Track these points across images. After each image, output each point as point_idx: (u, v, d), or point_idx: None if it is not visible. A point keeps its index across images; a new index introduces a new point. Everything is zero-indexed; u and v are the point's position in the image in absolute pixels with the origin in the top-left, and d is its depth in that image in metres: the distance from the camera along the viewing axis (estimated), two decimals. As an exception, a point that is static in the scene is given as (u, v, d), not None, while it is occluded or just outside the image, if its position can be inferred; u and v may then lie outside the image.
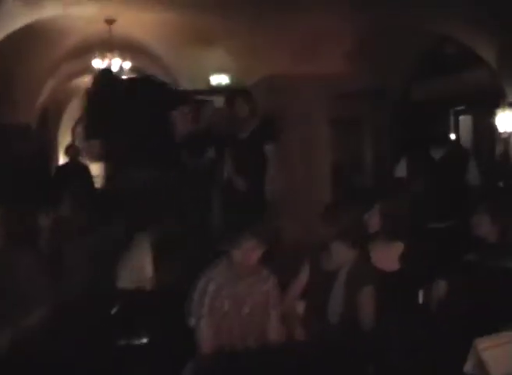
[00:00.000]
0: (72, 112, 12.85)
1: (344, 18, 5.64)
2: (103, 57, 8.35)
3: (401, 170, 4.54)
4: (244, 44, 6.03)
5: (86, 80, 8.94)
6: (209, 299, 2.89)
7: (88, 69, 8.71)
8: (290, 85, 5.56)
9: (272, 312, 2.98)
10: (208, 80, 9.57)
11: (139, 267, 3.50)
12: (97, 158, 4.49)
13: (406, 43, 6.62)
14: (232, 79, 8.95)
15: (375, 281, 2.99)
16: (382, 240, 3.23)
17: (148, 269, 3.52)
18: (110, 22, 7.91)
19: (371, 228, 3.22)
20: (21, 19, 6.16)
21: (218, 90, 9.14)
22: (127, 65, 8.76)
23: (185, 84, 9.67)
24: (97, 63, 8.33)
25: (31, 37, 7.44)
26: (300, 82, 5.55)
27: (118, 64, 8.47)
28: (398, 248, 3.20)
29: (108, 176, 5.31)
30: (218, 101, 8.53)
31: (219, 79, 9.37)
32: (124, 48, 8.57)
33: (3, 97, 8.83)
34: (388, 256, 3.16)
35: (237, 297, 2.93)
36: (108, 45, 8.26)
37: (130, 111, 4.37)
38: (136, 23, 8.00)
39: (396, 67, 7.07)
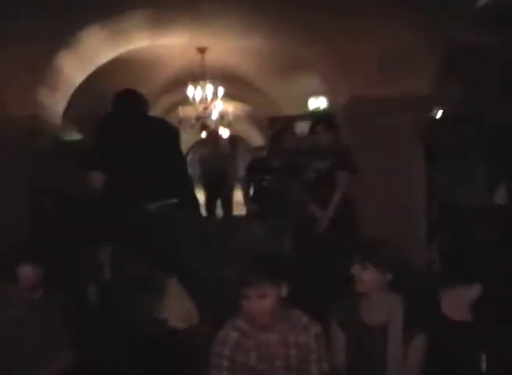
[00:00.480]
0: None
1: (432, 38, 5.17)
2: (196, 85, 8.29)
3: (501, 197, 4.10)
4: (333, 67, 5.65)
5: (186, 111, 8.94)
6: (229, 351, 2.45)
7: (185, 99, 8.68)
8: (376, 107, 5.13)
9: (313, 368, 2.48)
10: (306, 105, 9.34)
11: (184, 313, 3.23)
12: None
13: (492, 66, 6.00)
14: (328, 102, 8.63)
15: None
16: (455, 281, 2.75)
17: (194, 313, 3.24)
18: (202, 50, 7.85)
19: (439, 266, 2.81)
20: (107, 52, 6.15)
21: (313, 114, 8.85)
22: (221, 92, 8.65)
23: (285, 109, 9.49)
24: (191, 92, 8.27)
25: (123, 70, 7.51)
26: (387, 104, 5.11)
27: (211, 92, 8.38)
28: (473, 291, 2.69)
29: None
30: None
31: (317, 102, 9.12)
32: (217, 75, 8.47)
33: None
34: (459, 302, 2.70)
35: (265, 348, 2.46)
36: (201, 74, 8.19)
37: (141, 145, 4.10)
38: (228, 51, 7.90)
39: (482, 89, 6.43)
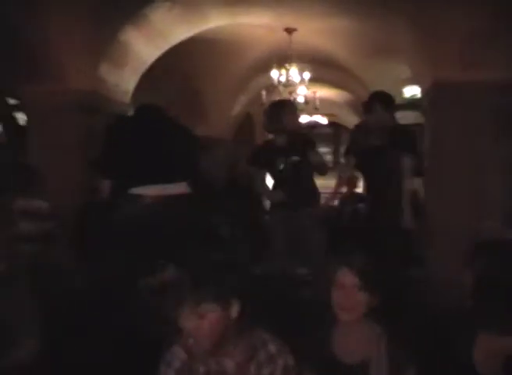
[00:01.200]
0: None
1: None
2: (281, 68, 7.91)
3: None
4: (418, 53, 5.11)
5: (270, 95, 8.59)
6: (172, 373, 2.03)
7: (270, 82, 8.32)
8: (456, 93, 4.57)
9: None
10: (401, 92, 8.71)
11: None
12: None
13: None
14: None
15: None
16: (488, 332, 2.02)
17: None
18: (290, 31, 7.45)
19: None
20: (182, 30, 5.92)
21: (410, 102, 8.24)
22: (307, 76, 8.21)
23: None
24: (275, 75, 7.90)
25: (204, 49, 7.30)
26: (467, 90, 4.53)
27: (296, 75, 7.96)
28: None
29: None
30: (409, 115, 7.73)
31: (413, 90, 8.46)
32: (305, 58, 8.04)
33: (195, 113, 8.92)
34: (494, 357, 1.96)
35: None
36: (287, 56, 7.79)
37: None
38: (317, 32, 7.45)
39: None
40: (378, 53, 7.50)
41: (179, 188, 2.82)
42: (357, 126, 4.94)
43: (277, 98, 8.17)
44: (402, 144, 4.44)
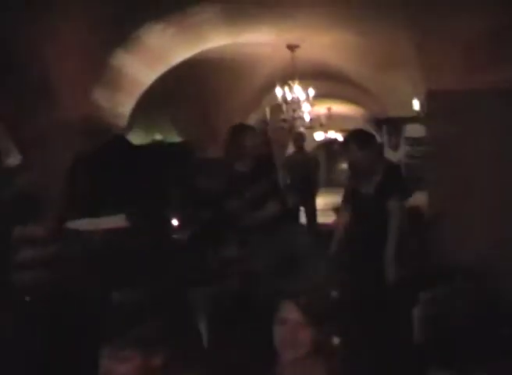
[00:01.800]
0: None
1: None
2: (285, 86, 7.86)
3: None
4: (414, 65, 5.02)
5: (274, 113, 8.54)
6: None
7: (274, 100, 8.28)
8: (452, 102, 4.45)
9: None
10: (412, 104, 8.57)
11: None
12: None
13: None
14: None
15: None
16: None
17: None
18: (292, 48, 7.41)
19: None
20: (179, 51, 5.91)
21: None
22: (311, 93, 8.14)
23: (391, 108, 8.79)
24: (279, 93, 7.85)
25: (206, 70, 7.29)
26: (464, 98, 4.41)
27: (300, 92, 7.90)
28: None
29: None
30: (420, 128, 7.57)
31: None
32: (310, 74, 7.98)
33: (208, 132, 8.90)
34: None
35: None
36: (291, 73, 7.75)
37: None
38: (321, 48, 7.39)
39: None
40: (386, 66, 7.40)
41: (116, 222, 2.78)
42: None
43: (281, 116, 8.15)
44: (388, 189, 4.16)
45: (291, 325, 1.92)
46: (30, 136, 5.19)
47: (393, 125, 8.99)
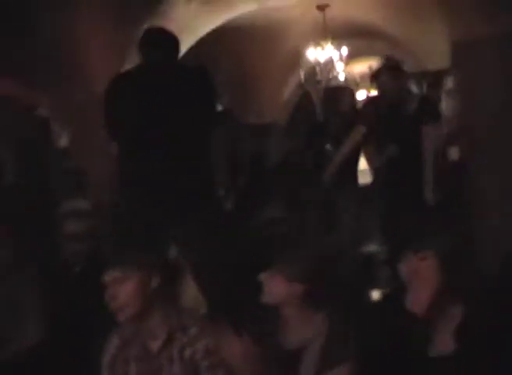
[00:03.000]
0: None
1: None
2: (317, 46, 7.85)
3: None
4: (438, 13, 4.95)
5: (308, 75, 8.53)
6: (110, 358, 2.11)
7: (307, 62, 8.28)
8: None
9: None
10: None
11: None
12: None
13: None
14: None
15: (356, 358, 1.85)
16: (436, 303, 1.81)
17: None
18: (322, 8, 7.38)
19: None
20: (207, 21, 6.00)
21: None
22: (344, 52, 8.10)
23: (430, 64, 8.66)
24: (312, 53, 7.85)
25: (238, 38, 7.34)
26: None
27: (332, 52, 7.88)
28: (455, 313, 1.78)
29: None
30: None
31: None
32: (342, 33, 7.93)
33: (248, 98, 9.00)
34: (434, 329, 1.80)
35: (146, 360, 2.06)
36: (322, 34, 7.73)
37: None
38: (351, 5, 7.34)
39: None
40: (416, 18, 7.29)
41: None
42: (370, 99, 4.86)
43: (316, 77, 8.16)
44: (425, 114, 4.32)
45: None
46: (69, 113, 5.44)
47: (432, 78, 8.86)
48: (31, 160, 5.91)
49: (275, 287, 2.00)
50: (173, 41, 3.55)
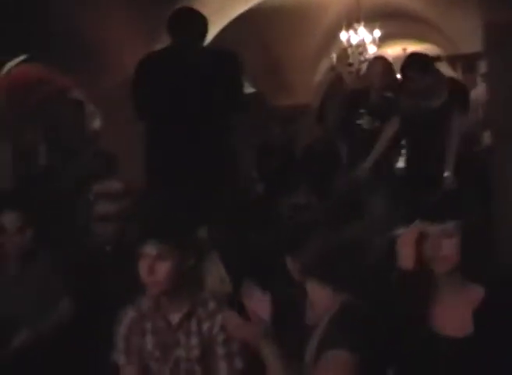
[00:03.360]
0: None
1: None
2: (350, 29, 7.77)
3: None
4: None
5: (340, 57, 8.45)
6: (125, 331, 2.16)
7: (340, 45, 8.20)
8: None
9: (222, 364, 2.05)
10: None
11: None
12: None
13: None
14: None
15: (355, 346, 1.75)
16: (448, 281, 1.88)
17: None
18: (355, -11, 7.32)
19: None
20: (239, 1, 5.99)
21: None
22: (377, 34, 7.99)
23: (464, 47, 8.50)
24: (344, 36, 7.78)
25: (272, 19, 7.30)
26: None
27: (365, 34, 7.79)
28: (475, 295, 1.85)
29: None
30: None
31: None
32: (376, 15, 7.83)
33: (279, 81, 8.99)
34: (456, 311, 1.84)
35: (163, 332, 2.12)
36: (356, 16, 7.65)
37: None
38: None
39: None
40: (453, 1, 7.16)
41: None
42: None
43: (348, 60, 8.08)
44: (453, 104, 4.26)
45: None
46: (103, 96, 5.51)
47: (468, 62, 8.72)
48: (64, 141, 6.02)
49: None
50: (202, 22, 3.54)
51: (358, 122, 4.72)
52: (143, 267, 2.06)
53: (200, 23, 3.49)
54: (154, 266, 2.04)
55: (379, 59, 5.03)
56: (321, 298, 1.98)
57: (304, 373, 1.90)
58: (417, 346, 1.83)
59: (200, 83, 3.24)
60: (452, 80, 4.71)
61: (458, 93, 4.34)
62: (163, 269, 2.04)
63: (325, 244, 1.99)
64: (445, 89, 4.28)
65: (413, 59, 4.37)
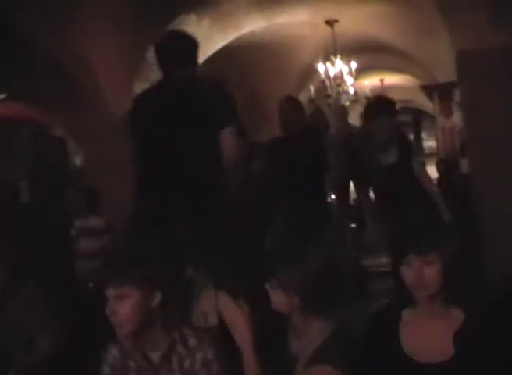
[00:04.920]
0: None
1: None
2: (327, 61, 7.91)
3: None
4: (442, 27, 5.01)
5: (318, 90, 8.58)
6: (109, 370, 2.13)
7: (317, 77, 8.34)
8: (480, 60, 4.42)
9: None
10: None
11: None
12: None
13: None
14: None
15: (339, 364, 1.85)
16: (430, 306, 1.90)
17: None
18: (331, 23, 7.45)
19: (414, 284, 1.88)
20: (214, 40, 6.11)
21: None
22: (353, 65, 8.15)
23: (440, 77, 8.68)
24: (322, 69, 7.91)
25: (245, 55, 7.43)
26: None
27: (341, 66, 7.93)
28: (455, 319, 1.89)
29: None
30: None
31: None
32: (353, 48, 8.00)
33: (259, 115, 9.07)
34: (435, 334, 1.87)
35: (147, 371, 2.08)
36: (332, 49, 7.80)
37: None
38: (360, 20, 7.40)
39: None
40: (422, 32, 7.33)
41: None
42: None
43: (325, 92, 8.20)
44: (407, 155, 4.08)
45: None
46: (85, 133, 5.54)
47: (444, 91, 8.89)
48: (46, 179, 6.03)
49: (277, 299, 2.04)
50: (192, 47, 3.21)
51: None
52: (107, 308, 2.05)
53: (191, 47, 3.32)
54: (115, 306, 2.03)
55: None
56: (309, 327, 2.01)
57: None
58: (386, 370, 1.86)
59: (195, 119, 3.13)
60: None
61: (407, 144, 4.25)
62: (124, 308, 2.02)
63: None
64: (396, 142, 4.11)
65: (381, 100, 4.38)
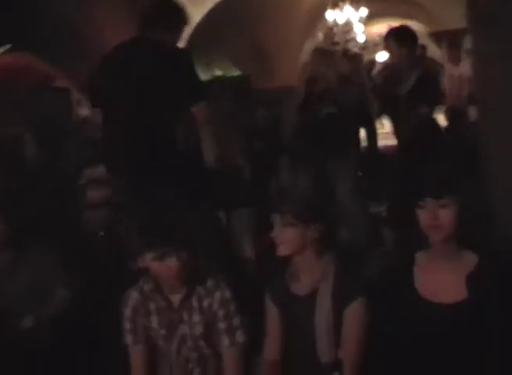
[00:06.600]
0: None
1: None
2: (335, 8, 7.76)
3: None
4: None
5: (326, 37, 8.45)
6: (130, 312, 2.24)
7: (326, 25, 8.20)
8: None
9: (224, 338, 2.16)
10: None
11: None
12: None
13: None
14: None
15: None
16: (444, 249, 1.97)
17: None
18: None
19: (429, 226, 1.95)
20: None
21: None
22: (364, 12, 7.99)
23: (449, 23, 8.53)
24: (330, 15, 7.77)
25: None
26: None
27: (351, 13, 7.78)
28: (468, 262, 1.95)
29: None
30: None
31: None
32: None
33: (263, 63, 8.98)
34: (448, 275, 1.94)
35: (167, 312, 2.20)
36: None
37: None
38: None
39: None
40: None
41: None
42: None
43: (334, 39, 8.08)
44: (418, 95, 4.04)
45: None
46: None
47: (452, 38, 8.73)
48: (50, 129, 6.01)
49: (290, 236, 2.09)
50: (178, 15, 3.26)
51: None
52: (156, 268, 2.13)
53: (175, 15, 3.25)
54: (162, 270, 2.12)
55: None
56: (316, 264, 2.11)
57: None
58: (402, 311, 1.93)
59: (150, 77, 3.07)
60: (425, 64, 4.63)
61: (426, 82, 4.15)
62: (172, 269, 2.11)
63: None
64: (414, 73, 4.12)
65: (393, 30, 4.28)
